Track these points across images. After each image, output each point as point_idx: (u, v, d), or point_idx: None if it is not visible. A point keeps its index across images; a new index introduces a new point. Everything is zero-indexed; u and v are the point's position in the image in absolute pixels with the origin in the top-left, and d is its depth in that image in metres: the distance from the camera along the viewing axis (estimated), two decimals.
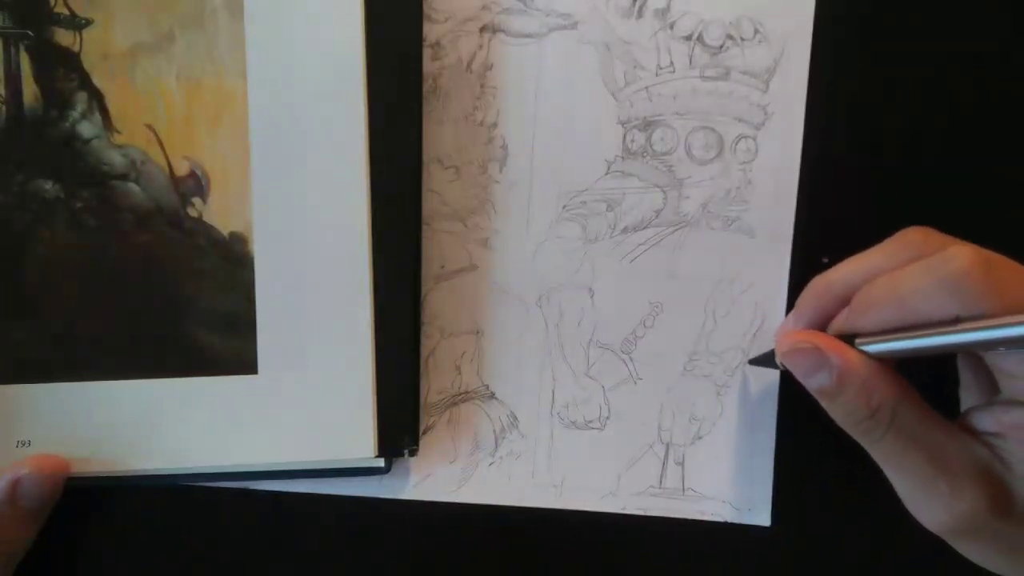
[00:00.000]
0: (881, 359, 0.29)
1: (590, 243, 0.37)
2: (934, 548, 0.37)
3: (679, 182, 0.37)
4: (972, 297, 0.26)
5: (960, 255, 0.27)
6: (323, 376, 0.35)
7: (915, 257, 0.29)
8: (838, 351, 0.29)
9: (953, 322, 0.27)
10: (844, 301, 0.31)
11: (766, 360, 0.35)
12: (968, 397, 0.33)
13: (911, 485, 0.29)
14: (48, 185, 0.35)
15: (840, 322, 0.31)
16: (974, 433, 0.29)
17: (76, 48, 0.34)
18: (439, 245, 0.37)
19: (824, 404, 0.30)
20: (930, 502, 0.29)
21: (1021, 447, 0.28)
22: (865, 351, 0.29)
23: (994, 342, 0.26)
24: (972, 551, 0.30)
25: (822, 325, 0.32)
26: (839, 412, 0.30)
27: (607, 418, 0.37)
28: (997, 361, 0.29)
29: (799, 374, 0.31)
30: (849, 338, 0.30)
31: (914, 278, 0.28)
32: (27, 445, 0.35)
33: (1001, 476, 0.28)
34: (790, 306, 0.37)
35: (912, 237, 0.30)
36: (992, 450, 0.28)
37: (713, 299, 0.37)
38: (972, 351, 0.31)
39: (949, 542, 0.30)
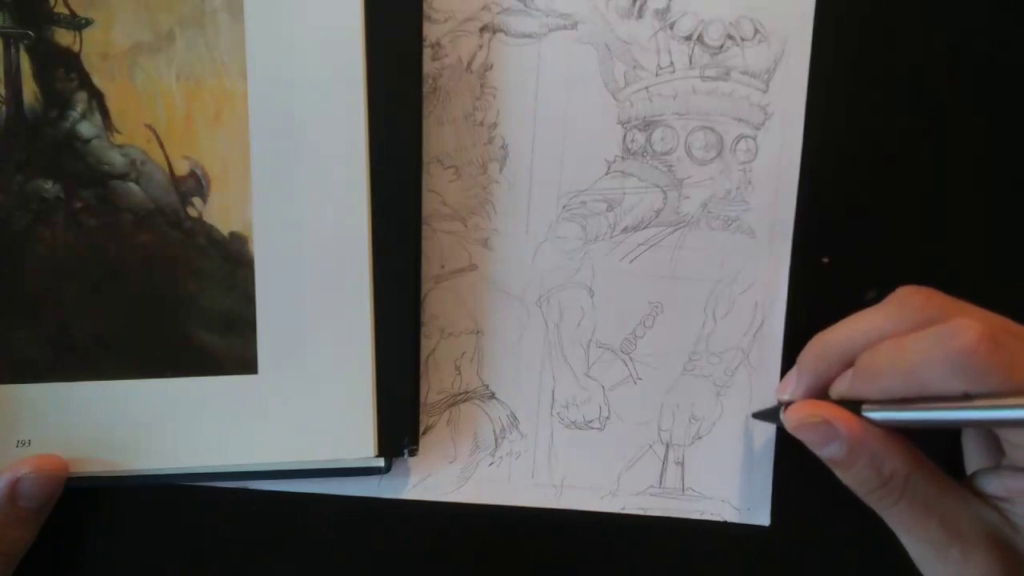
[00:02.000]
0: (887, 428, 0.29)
1: (590, 243, 0.37)
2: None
3: (679, 182, 0.37)
4: (980, 375, 0.26)
5: (967, 330, 0.26)
6: (323, 376, 0.35)
7: (918, 322, 0.28)
8: (847, 423, 0.29)
9: (961, 397, 0.26)
10: (846, 362, 0.31)
11: (770, 415, 0.35)
12: (973, 454, 0.33)
13: (924, 551, 0.30)
14: (48, 185, 0.35)
15: (844, 386, 0.31)
16: (982, 496, 0.29)
17: (76, 48, 0.34)
18: (439, 245, 0.37)
19: (837, 473, 0.31)
20: (943, 567, 0.29)
21: None
22: (872, 419, 0.29)
23: (1004, 422, 0.26)
24: None
25: (824, 385, 0.32)
26: (852, 482, 0.30)
27: (607, 418, 0.37)
28: (1004, 430, 0.29)
29: (810, 445, 0.31)
30: (854, 404, 0.30)
31: (920, 350, 0.27)
32: (27, 445, 0.35)
33: (1011, 540, 0.28)
34: (790, 307, 0.37)
35: (914, 300, 0.30)
36: (1001, 514, 0.29)
37: (713, 299, 0.37)
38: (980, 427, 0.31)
39: None
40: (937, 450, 0.30)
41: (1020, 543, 0.28)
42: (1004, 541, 0.28)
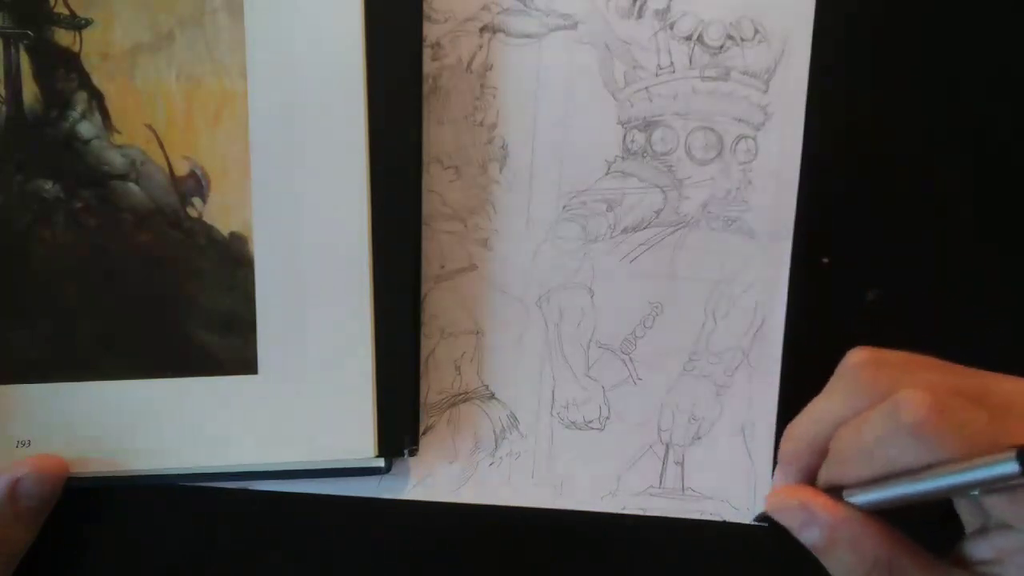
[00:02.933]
0: (870, 511, 0.29)
1: (590, 243, 0.37)
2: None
3: (679, 182, 0.37)
4: (935, 445, 0.26)
5: (911, 402, 0.26)
6: (323, 376, 0.35)
7: (871, 398, 0.28)
8: (824, 507, 0.29)
9: (926, 468, 0.27)
10: (818, 450, 0.31)
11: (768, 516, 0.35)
12: (967, 518, 0.32)
13: None
14: (48, 185, 0.35)
15: (824, 475, 0.31)
16: (971, 566, 0.29)
17: (76, 48, 0.34)
18: (439, 245, 0.37)
19: (822, 561, 0.30)
20: None
21: (1016, 570, 0.28)
22: (853, 503, 0.29)
23: (964, 486, 0.26)
24: None
25: (807, 477, 0.32)
26: (834, 567, 0.30)
27: (607, 418, 0.37)
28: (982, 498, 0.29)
29: (791, 530, 0.30)
30: (837, 490, 0.30)
31: (874, 431, 0.28)
32: (27, 445, 0.35)
33: None
34: (790, 307, 0.37)
35: (863, 376, 0.29)
36: None
37: (713, 299, 0.37)
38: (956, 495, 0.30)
39: None
40: (925, 530, 0.30)
41: None
42: None
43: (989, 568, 0.28)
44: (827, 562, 0.30)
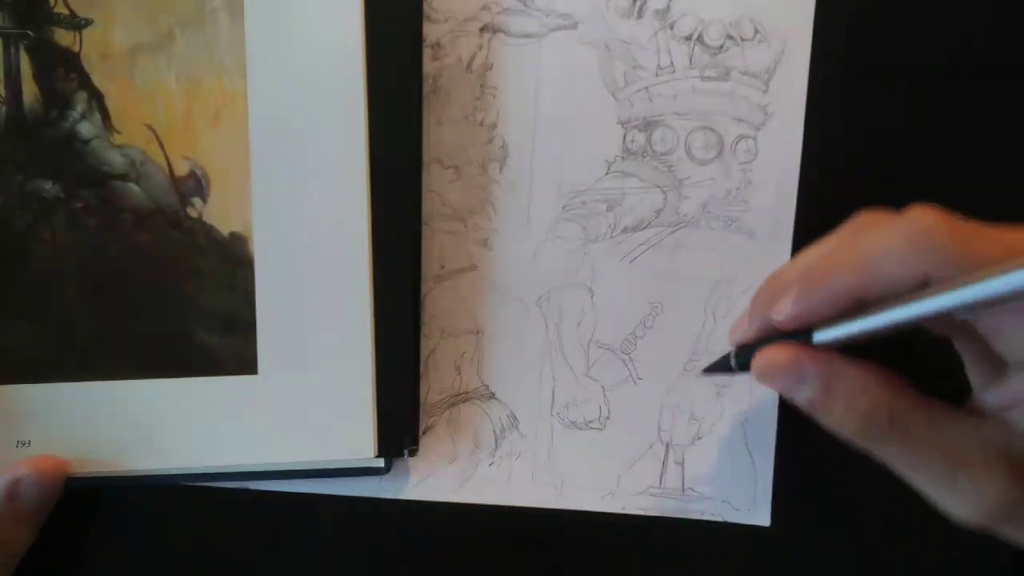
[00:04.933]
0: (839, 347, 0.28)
1: (590, 243, 0.37)
2: (934, 548, 0.37)
3: (679, 182, 0.37)
4: (941, 249, 0.25)
5: (924, 213, 0.25)
6: (323, 376, 0.35)
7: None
8: (815, 359, 0.28)
9: (921, 287, 0.25)
10: None
11: (721, 365, 0.33)
12: (974, 374, 0.31)
13: (931, 485, 0.27)
14: (48, 185, 0.35)
15: (787, 305, 0.28)
16: (982, 414, 0.28)
17: (76, 48, 0.34)
18: (439, 245, 0.37)
19: (819, 418, 0.29)
20: (955, 498, 0.27)
21: None
22: (826, 340, 0.27)
23: (967, 306, 0.24)
24: (1020, 537, 0.27)
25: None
26: (835, 422, 0.28)
27: (607, 418, 0.37)
28: (987, 323, 0.27)
29: (782, 391, 0.29)
30: (803, 336, 0.28)
31: (876, 238, 0.26)
32: (27, 445, 0.35)
33: (1020, 451, 0.26)
34: None
35: (864, 218, 0.29)
36: (1007, 427, 0.27)
37: (713, 299, 0.37)
38: (955, 317, 0.28)
39: (993, 533, 0.27)
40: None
41: None
42: (1015, 455, 0.26)
43: (1004, 414, 0.27)
44: (824, 418, 0.28)
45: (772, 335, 0.30)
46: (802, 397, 0.28)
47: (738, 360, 0.32)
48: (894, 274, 0.26)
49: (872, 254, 0.26)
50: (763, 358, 0.29)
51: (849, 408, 0.27)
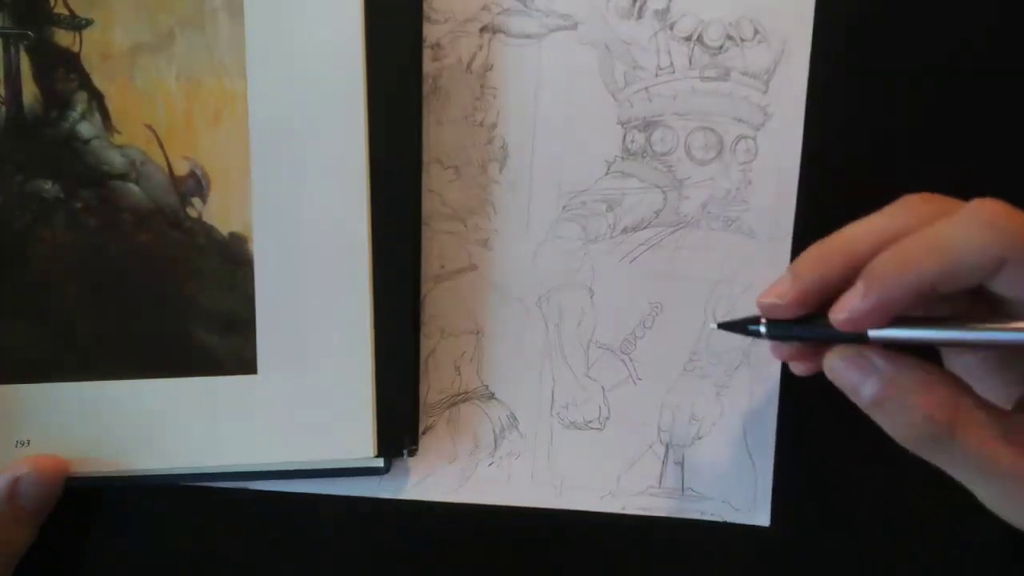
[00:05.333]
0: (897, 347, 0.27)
1: (590, 243, 0.37)
2: (934, 548, 0.37)
3: (679, 182, 0.37)
4: (1015, 235, 0.24)
5: (990, 202, 0.25)
6: (323, 376, 0.35)
7: (926, 220, 0.26)
8: (883, 356, 0.27)
9: (997, 267, 0.25)
10: (849, 265, 0.27)
11: (741, 326, 0.31)
12: (1000, 392, 0.30)
13: (1003, 490, 0.26)
14: (48, 185, 0.35)
15: (856, 298, 0.26)
16: None
17: (76, 48, 0.34)
18: (439, 245, 0.37)
19: (879, 420, 0.27)
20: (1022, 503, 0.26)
21: None
22: (881, 338, 0.26)
23: None
24: None
25: (820, 294, 0.28)
26: (897, 423, 0.27)
27: (607, 418, 0.37)
28: None
29: (846, 388, 0.28)
30: (858, 337, 0.27)
31: (950, 225, 0.25)
32: (27, 445, 0.35)
33: None
34: None
35: (915, 202, 0.28)
36: None
37: (713, 299, 0.37)
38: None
39: None
40: None
41: None
42: None
43: None
44: (882, 417, 0.27)
45: (814, 307, 0.28)
46: (867, 392, 0.27)
47: (770, 330, 0.29)
48: (974, 261, 0.25)
49: (950, 242, 0.25)
50: (837, 353, 0.28)
51: (910, 409, 0.26)
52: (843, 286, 0.27)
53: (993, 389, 0.29)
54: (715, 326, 0.32)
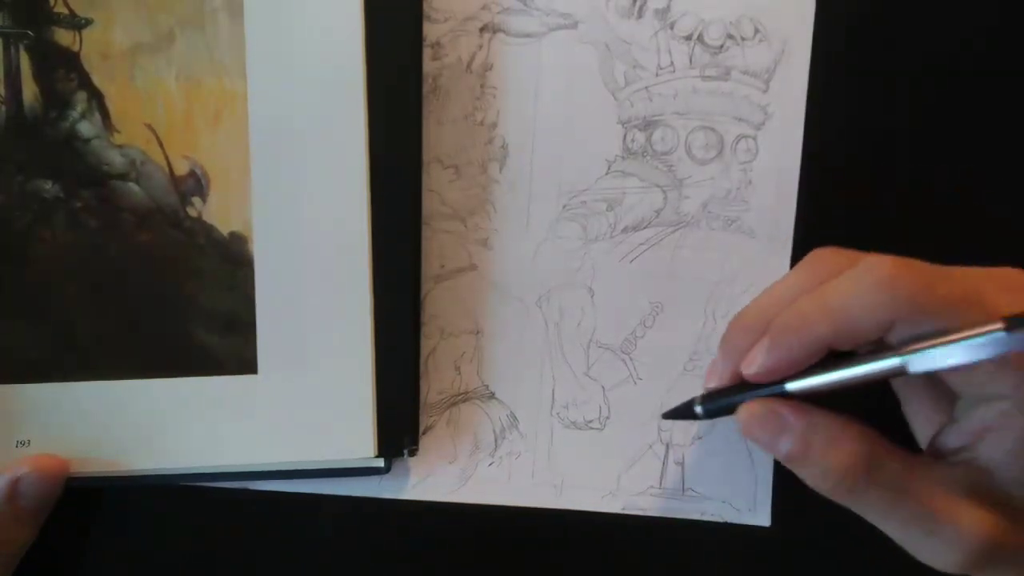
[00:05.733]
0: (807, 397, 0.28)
1: (590, 243, 0.37)
2: None
3: (679, 182, 0.37)
4: (905, 299, 0.26)
5: (883, 261, 0.27)
6: (323, 376, 0.35)
7: (830, 276, 0.28)
8: (795, 411, 0.28)
9: (887, 327, 0.26)
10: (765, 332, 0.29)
11: (684, 411, 0.32)
12: (921, 422, 0.31)
13: (909, 534, 0.28)
14: (48, 185, 0.35)
15: (760, 354, 0.28)
16: (945, 457, 0.28)
17: (76, 48, 0.34)
18: (439, 245, 0.37)
19: (798, 472, 0.29)
20: (935, 545, 0.27)
21: (996, 444, 0.27)
22: (803, 388, 0.28)
23: (947, 365, 0.25)
24: None
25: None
26: (813, 474, 0.28)
27: (607, 418, 0.37)
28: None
29: (762, 445, 0.29)
30: (775, 388, 0.29)
31: (842, 290, 0.27)
32: (27, 445, 0.35)
33: (990, 487, 0.27)
34: None
35: (822, 256, 0.29)
36: (969, 466, 0.27)
37: (713, 299, 0.37)
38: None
39: None
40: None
41: (999, 483, 0.26)
42: (984, 491, 0.27)
43: (967, 453, 0.27)
44: (803, 471, 0.28)
45: (744, 382, 0.30)
46: (783, 449, 0.28)
47: (704, 407, 0.31)
48: (864, 322, 0.26)
49: (842, 304, 0.27)
50: (748, 410, 0.29)
51: (826, 461, 0.28)
52: None
53: (924, 412, 0.31)
54: (662, 417, 0.34)
